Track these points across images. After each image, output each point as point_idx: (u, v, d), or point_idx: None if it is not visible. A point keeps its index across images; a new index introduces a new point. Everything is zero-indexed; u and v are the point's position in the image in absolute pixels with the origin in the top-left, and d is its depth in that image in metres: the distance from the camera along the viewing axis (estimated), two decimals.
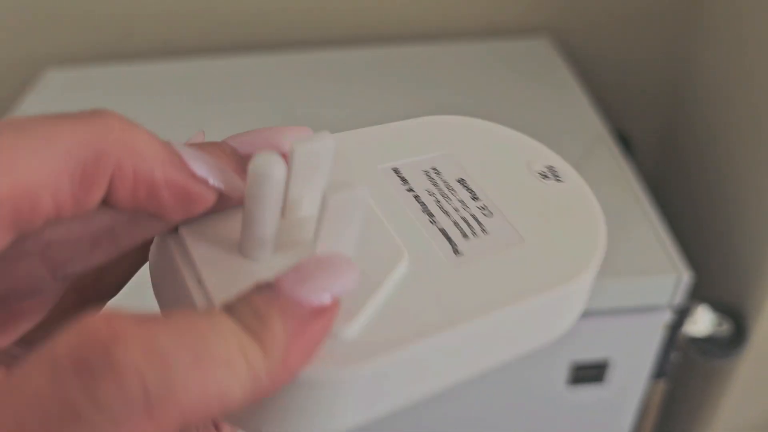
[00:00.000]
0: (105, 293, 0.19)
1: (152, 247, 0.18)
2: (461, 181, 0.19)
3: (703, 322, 0.56)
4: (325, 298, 0.14)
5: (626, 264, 0.47)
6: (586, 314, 0.42)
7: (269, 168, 0.15)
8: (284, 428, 0.15)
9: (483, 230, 0.18)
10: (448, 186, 0.19)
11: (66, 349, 0.11)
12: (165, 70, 0.68)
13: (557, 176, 0.20)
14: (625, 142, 0.69)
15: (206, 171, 0.16)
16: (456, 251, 0.17)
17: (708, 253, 0.65)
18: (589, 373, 0.52)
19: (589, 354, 0.51)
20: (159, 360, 0.11)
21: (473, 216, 0.18)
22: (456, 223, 0.18)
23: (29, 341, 0.17)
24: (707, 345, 0.56)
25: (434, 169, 0.19)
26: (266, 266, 0.16)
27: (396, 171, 0.19)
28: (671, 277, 0.47)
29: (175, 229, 0.17)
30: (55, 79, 0.67)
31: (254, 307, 0.14)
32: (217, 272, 0.16)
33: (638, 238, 0.49)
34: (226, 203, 0.17)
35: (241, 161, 0.17)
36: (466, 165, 0.20)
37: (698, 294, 0.54)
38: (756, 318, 0.57)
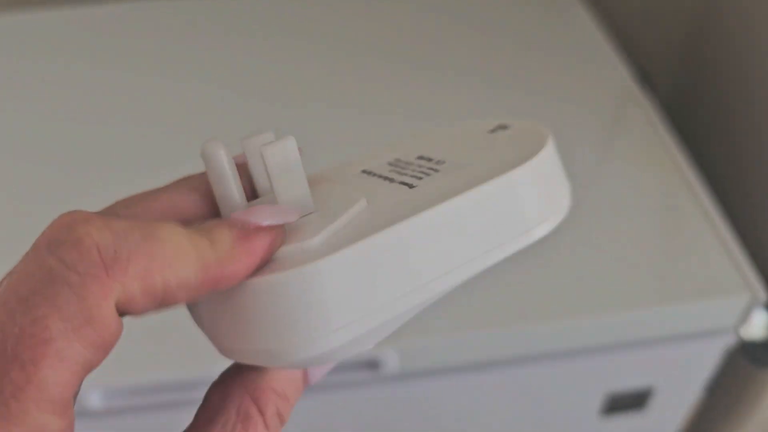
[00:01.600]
0: None
1: None
2: (420, 157, 0.21)
3: (755, 324, 0.47)
4: (266, 221, 0.16)
5: (685, 284, 0.37)
6: (628, 344, 0.34)
7: (212, 147, 0.17)
8: (279, 339, 0.15)
9: (435, 171, 0.19)
10: (407, 162, 0.20)
11: (42, 237, 0.15)
12: (87, 15, 0.56)
13: (505, 127, 0.21)
14: (647, 79, 0.59)
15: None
16: (411, 186, 0.18)
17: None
18: (627, 402, 0.43)
19: (630, 383, 0.42)
20: (110, 233, 0.14)
21: (427, 167, 0.20)
22: (411, 175, 0.19)
23: None
24: (759, 350, 0.47)
25: (398, 159, 0.21)
26: None
27: (365, 171, 0.21)
28: (742, 298, 0.37)
29: None
30: None
31: (205, 224, 0.16)
32: None
33: (699, 248, 0.39)
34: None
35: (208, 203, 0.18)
36: (431, 150, 0.21)
37: None
38: None
